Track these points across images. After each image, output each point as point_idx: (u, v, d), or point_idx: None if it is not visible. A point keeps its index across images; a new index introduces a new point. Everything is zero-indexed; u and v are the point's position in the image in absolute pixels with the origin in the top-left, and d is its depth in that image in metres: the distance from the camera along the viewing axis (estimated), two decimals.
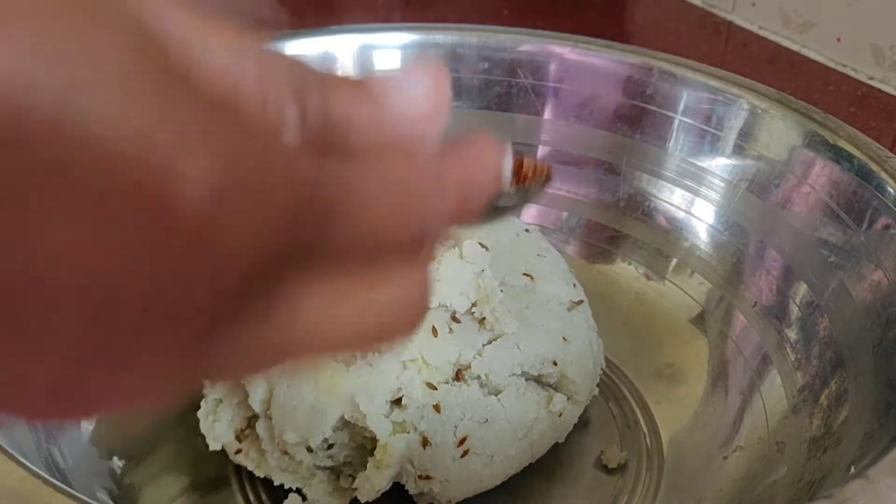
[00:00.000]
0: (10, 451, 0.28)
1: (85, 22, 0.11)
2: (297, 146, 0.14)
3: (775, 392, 0.40)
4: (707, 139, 0.48)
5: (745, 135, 0.47)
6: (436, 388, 0.36)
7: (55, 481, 0.27)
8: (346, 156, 0.15)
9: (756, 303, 0.44)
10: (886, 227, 0.39)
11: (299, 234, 0.13)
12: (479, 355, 0.37)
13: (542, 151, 0.53)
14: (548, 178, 0.21)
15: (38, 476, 0.26)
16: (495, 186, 0.18)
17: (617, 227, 0.52)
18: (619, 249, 0.51)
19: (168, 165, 0.11)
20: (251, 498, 0.40)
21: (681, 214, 0.49)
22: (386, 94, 0.16)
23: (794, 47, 0.75)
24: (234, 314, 0.13)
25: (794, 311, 0.42)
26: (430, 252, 0.17)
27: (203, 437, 0.39)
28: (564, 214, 0.53)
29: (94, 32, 0.11)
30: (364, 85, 0.16)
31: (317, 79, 0.15)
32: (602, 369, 0.43)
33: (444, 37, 0.53)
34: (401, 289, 0.16)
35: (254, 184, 0.12)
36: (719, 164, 0.48)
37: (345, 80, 0.16)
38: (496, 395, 0.37)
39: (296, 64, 0.15)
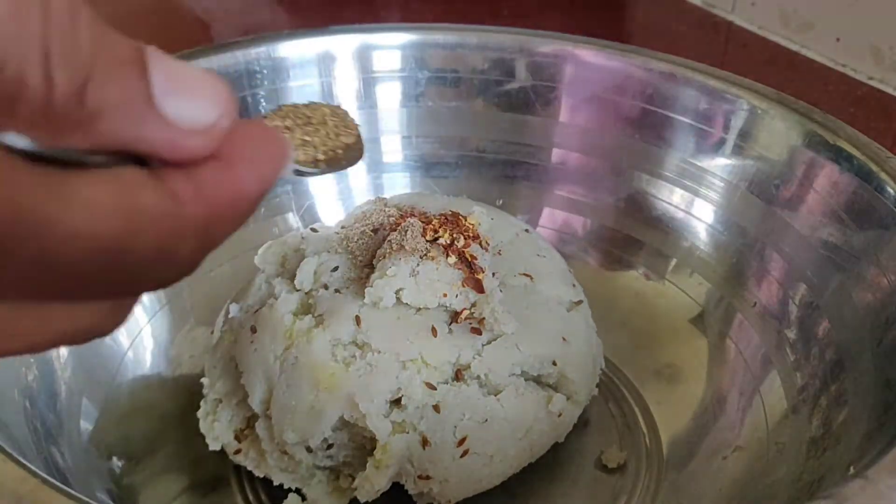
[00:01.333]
0: (10, 451, 0.28)
1: None
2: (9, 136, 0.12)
3: (775, 392, 0.40)
4: (707, 139, 0.48)
5: (745, 135, 0.47)
6: (435, 388, 0.36)
7: (55, 481, 0.27)
8: (72, 166, 0.13)
9: (756, 303, 0.44)
10: (886, 227, 0.39)
11: None
12: (479, 355, 0.37)
13: (542, 151, 0.53)
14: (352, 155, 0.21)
15: (37, 476, 0.26)
16: (263, 194, 0.16)
17: (616, 227, 0.52)
18: (618, 249, 0.51)
19: None
20: (251, 498, 0.40)
21: (681, 214, 0.49)
22: (168, 92, 0.14)
23: (794, 47, 0.75)
24: None
25: (794, 311, 0.42)
26: (134, 299, 0.15)
27: (202, 437, 0.39)
28: (564, 214, 0.53)
29: None
30: (144, 77, 0.14)
31: (94, 47, 0.13)
32: (601, 369, 0.43)
33: (444, 37, 0.53)
34: (91, 318, 0.15)
35: None
36: (719, 165, 0.48)
37: (125, 63, 0.14)
38: (496, 395, 0.37)
39: (90, 22, 0.13)
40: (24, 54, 0.12)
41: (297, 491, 0.39)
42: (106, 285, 0.14)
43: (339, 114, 0.23)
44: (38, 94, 0.12)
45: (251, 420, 0.39)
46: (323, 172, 0.21)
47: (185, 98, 0.14)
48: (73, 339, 0.15)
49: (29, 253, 0.12)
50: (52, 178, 0.13)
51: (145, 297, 0.45)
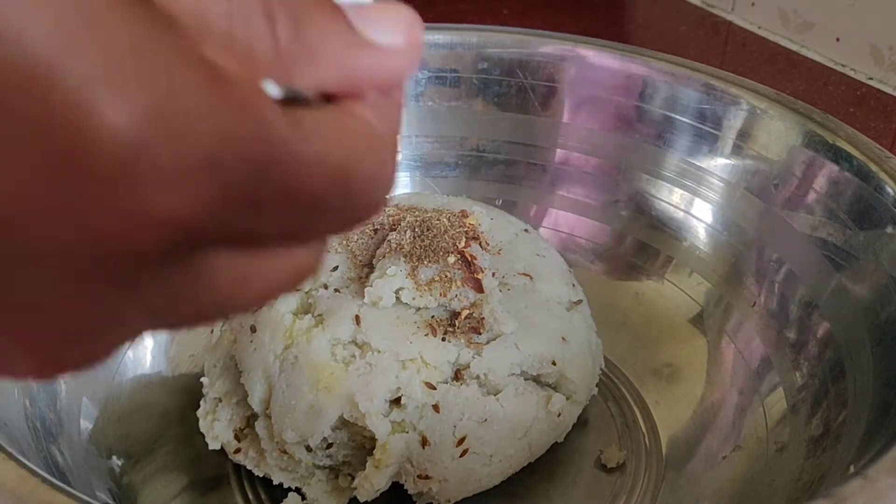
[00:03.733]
0: (10, 450, 0.28)
1: None
2: (250, 86, 0.13)
3: (774, 392, 0.40)
4: (706, 139, 0.48)
5: (745, 135, 0.47)
6: (435, 388, 0.36)
7: (54, 480, 0.27)
8: (299, 102, 0.14)
9: (755, 303, 0.44)
10: (885, 227, 0.39)
11: (229, 203, 0.12)
12: (478, 355, 0.37)
13: (541, 151, 0.53)
14: None
15: (37, 475, 0.26)
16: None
17: (616, 227, 0.52)
18: (618, 249, 0.51)
19: (80, 99, 0.10)
20: (250, 497, 0.40)
21: (680, 214, 0.49)
22: (362, 26, 0.15)
23: (794, 47, 0.75)
24: (144, 278, 0.12)
25: (794, 310, 0.42)
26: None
27: (202, 436, 0.39)
28: (563, 214, 0.53)
29: None
30: (341, 13, 0.15)
31: (302, 1, 0.14)
32: (601, 369, 0.43)
33: (444, 37, 0.53)
34: (308, 258, 0.16)
35: (185, 136, 0.11)
36: (718, 164, 0.48)
37: (322, 5, 0.15)
38: (495, 394, 0.37)
39: None
40: (248, 13, 0.13)
41: (297, 490, 0.39)
42: (334, 216, 0.15)
43: None
44: (266, 42, 0.13)
45: (251, 419, 0.39)
46: None
47: (380, 23, 0.15)
48: (290, 286, 0.16)
49: (280, 188, 0.13)
50: (290, 115, 0.14)
51: None
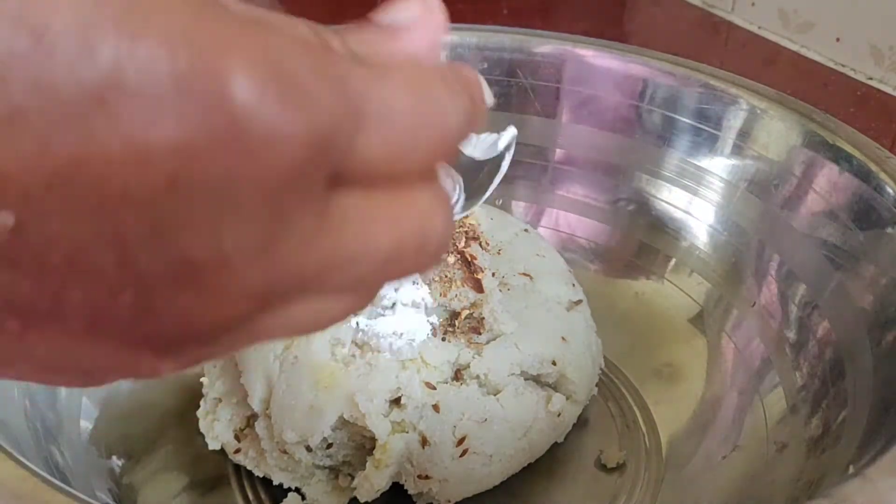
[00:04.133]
0: (10, 450, 0.28)
1: None
2: (333, 51, 0.14)
3: (774, 392, 0.40)
4: (706, 139, 0.48)
5: (745, 135, 0.47)
6: (435, 388, 0.36)
7: (54, 480, 0.27)
8: (369, 67, 0.15)
9: (755, 302, 0.44)
10: (885, 227, 0.39)
11: (336, 142, 0.13)
12: (478, 355, 0.37)
13: (541, 151, 0.53)
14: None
15: (37, 475, 0.26)
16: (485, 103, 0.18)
17: (616, 227, 0.52)
18: (618, 249, 0.51)
19: (209, 64, 0.12)
20: (250, 497, 0.40)
21: (680, 214, 0.49)
22: (392, 35, 0.17)
23: (794, 47, 0.75)
24: (285, 222, 0.13)
25: (794, 310, 0.42)
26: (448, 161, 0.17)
27: (202, 436, 0.39)
28: (563, 214, 0.53)
29: None
30: (373, 29, 0.17)
31: (331, 29, 0.15)
32: (601, 369, 0.43)
33: (444, 37, 0.53)
34: (426, 203, 0.16)
35: (299, 81, 0.12)
36: (718, 164, 0.48)
37: (356, 28, 0.16)
38: (495, 394, 0.37)
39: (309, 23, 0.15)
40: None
41: (297, 490, 0.39)
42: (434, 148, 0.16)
43: None
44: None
45: (251, 419, 0.39)
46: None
47: (392, 7, 0.17)
48: (418, 236, 0.16)
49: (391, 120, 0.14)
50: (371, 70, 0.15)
51: None
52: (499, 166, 0.22)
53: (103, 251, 0.12)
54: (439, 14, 0.18)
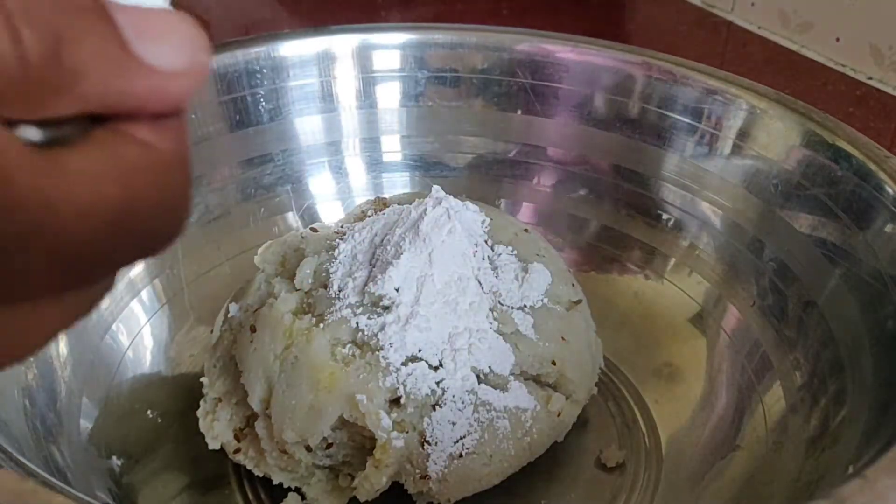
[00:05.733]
0: (10, 450, 0.28)
1: None
2: None
3: (774, 392, 0.40)
4: (706, 139, 0.48)
5: (744, 135, 0.47)
6: (435, 388, 0.36)
7: (54, 480, 0.27)
8: (63, 138, 0.12)
9: (755, 302, 0.44)
10: (885, 226, 0.39)
11: None
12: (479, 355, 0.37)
13: (541, 151, 0.53)
14: None
15: (37, 475, 0.27)
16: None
17: (616, 227, 0.52)
18: (618, 249, 0.51)
19: None
20: (250, 497, 0.40)
21: (680, 214, 0.49)
22: (140, 37, 0.13)
23: (794, 47, 0.75)
24: None
25: (793, 310, 0.42)
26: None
27: (202, 436, 0.39)
28: (563, 214, 0.53)
29: None
30: (112, 25, 0.13)
31: (50, 7, 0.12)
32: (601, 369, 0.43)
33: (444, 36, 0.53)
34: (91, 297, 0.14)
35: None
36: (718, 164, 0.48)
37: (88, 12, 0.12)
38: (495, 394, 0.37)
39: None
40: None
41: (297, 490, 0.39)
42: (117, 258, 0.13)
43: None
44: (11, 60, 0.11)
45: (251, 419, 0.39)
46: None
47: (159, 40, 0.13)
48: (65, 328, 0.14)
49: (38, 241, 0.12)
50: (45, 158, 0.12)
51: (145, 297, 0.45)
52: None
53: None
54: (201, 76, 0.14)
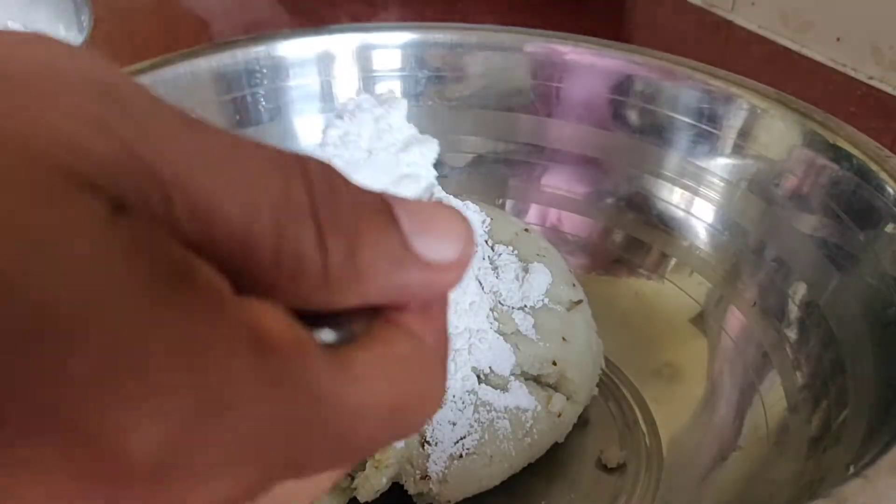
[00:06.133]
0: None
1: None
2: (298, 349, 0.12)
3: (775, 392, 0.40)
4: (707, 139, 0.48)
5: (745, 134, 0.47)
6: None
7: None
8: (345, 347, 0.13)
9: (755, 302, 0.44)
10: (886, 226, 0.39)
11: (275, 473, 0.11)
12: (479, 355, 0.37)
13: (541, 151, 0.53)
14: None
15: None
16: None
17: (616, 227, 0.52)
18: (618, 249, 0.51)
19: (98, 423, 0.09)
20: None
21: (680, 214, 0.49)
22: (418, 232, 0.14)
23: (794, 47, 0.75)
24: None
25: (794, 310, 0.42)
26: None
27: None
28: (564, 214, 0.53)
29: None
30: (396, 223, 0.14)
31: (354, 207, 0.13)
32: (601, 369, 0.43)
33: (444, 36, 0.53)
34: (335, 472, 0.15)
35: (226, 434, 0.10)
36: (719, 164, 0.48)
37: (378, 214, 0.13)
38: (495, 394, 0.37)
39: (345, 182, 0.13)
40: (298, 230, 0.12)
41: None
42: (377, 447, 0.14)
43: None
44: (316, 266, 0.12)
45: None
46: None
47: (434, 235, 0.14)
48: (312, 499, 0.15)
49: (327, 443, 0.12)
50: (338, 363, 0.12)
51: None
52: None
53: None
54: (467, 266, 0.15)
